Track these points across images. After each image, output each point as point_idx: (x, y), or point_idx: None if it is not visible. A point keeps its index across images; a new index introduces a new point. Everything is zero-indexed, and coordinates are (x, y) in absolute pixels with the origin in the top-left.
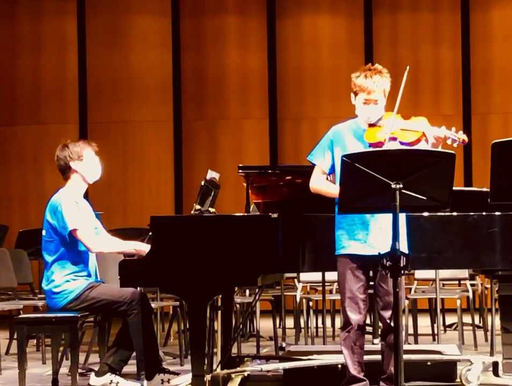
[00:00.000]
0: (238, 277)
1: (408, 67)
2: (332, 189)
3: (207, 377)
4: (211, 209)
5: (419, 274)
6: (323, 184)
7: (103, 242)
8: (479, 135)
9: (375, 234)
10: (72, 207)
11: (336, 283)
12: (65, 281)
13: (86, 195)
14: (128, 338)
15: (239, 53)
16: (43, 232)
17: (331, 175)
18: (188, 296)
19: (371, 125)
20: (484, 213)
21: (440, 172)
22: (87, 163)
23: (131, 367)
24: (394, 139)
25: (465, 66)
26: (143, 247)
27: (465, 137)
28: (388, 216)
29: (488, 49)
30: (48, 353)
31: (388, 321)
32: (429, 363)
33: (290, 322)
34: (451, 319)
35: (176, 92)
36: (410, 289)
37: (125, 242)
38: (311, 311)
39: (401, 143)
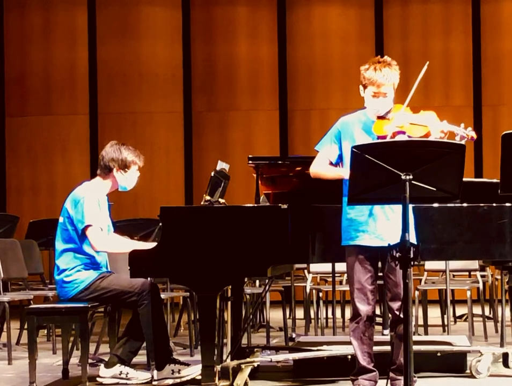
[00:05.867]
0: (247, 268)
1: (427, 62)
2: (332, 172)
3: (217, 368)
4: (221, 200)
5: (430, 265)
6: (323, 167)
7: (108, 242)
8: (490, 126)
9: (383, 225)
10: (94, 205)
11: (346, 274)
12: (76, 271)
13: None
14: (138, 329)
15: (249, 44)
16: (60, 219)
17: (339, 165)
18: (198, 287)
19: (379, 117)
20: (494, 204)
21: (450, 163)
22: (127, 177)
23: (141, 357)
24: (403, 132)
25: (476, 57)
26: (148, 248)
27: (473, 134)
28: (397, 208)
29: (499, 40)
30: (58, 343)
31: (397, 312)
32: (438, 354)
33: (299, 313)
34: (461, 310)
35: (187, 83)
36: (420, 280)
37: (131, 242)
38: (321, 302)
39: (409, 138)
